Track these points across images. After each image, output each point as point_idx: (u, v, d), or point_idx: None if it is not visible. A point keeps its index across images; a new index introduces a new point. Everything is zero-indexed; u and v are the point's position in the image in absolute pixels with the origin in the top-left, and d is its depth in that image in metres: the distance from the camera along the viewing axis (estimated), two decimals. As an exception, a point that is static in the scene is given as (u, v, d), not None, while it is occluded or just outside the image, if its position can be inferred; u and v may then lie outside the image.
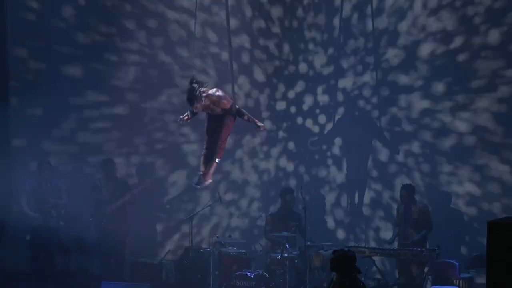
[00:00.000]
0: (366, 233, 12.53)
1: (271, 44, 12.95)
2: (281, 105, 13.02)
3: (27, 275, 11.37)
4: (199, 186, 9.13)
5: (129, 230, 12.08)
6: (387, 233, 12.11)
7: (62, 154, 12.67)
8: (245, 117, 8.96)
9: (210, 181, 9.04)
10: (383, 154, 12.48)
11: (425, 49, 12.10)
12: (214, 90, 8.79)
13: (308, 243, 11.04)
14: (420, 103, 12.20)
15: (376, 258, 11.27)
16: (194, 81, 8.64)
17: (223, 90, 8.98)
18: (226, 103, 8.79)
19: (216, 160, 8.88)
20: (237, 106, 8.94)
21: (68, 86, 12.56)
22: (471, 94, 11.88)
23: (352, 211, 12.63)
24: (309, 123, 12.93)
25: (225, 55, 12.32)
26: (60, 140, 12.70)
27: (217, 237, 11.60)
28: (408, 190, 11.24)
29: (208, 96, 8.68)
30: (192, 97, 8.60)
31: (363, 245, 11.48)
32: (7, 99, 11.70)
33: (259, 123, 9.08)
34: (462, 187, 12.01)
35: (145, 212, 12.69)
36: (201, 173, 8.98)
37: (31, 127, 12.39)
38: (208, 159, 8.90)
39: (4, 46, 11.54)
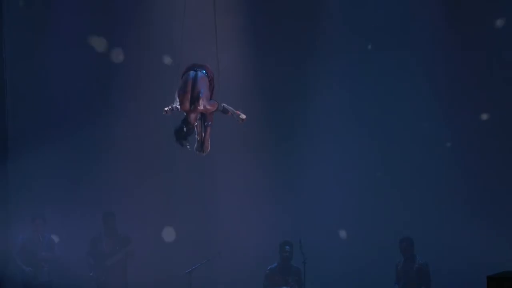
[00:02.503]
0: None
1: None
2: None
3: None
4: (202, 153, 8.62)
5: (128, 284, 12.09)
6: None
7: (60, 206, 12.63)
8: (229, 114, 8.60)
9: (209, 148, 8.63)
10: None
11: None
12: (201, 107, 8.35)
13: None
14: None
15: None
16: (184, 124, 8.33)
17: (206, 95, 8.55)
18: (212, 108, 8.44)
19: (210, 123, 8.52)
20: (222, 104, 8.58)
21: (67, 141, 12.69)
22: None
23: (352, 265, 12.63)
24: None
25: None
26: (58, 192, 12.70)
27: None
28: (408, 243, 11.28)
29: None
30: (180, 137, 8.29)
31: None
32: (6, 152, 11.84)
33: (242, 116, 8.66)
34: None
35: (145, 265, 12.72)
36: (198, 138, 8.55)
37: (29, 180, 12.48)
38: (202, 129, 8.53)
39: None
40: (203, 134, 8.48)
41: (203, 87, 8.22)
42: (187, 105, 8.18)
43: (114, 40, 13.04)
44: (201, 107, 8.19)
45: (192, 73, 8.29)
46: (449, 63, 12.57)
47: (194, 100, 8.16)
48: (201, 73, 8.28)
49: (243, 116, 8.63)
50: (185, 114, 8.24)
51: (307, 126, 13.03)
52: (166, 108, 8.45)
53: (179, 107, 8.21)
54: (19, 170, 12.39)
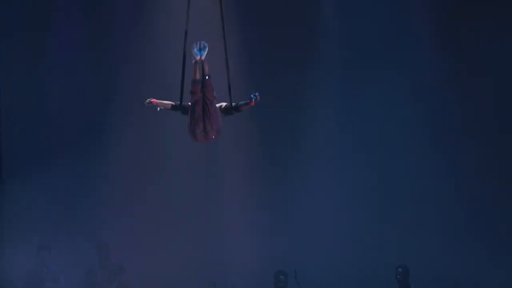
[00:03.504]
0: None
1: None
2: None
3: None
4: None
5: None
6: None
7: (57, 236, 12.58)
8: (243, 109, 8.50)
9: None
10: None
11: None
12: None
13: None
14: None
15: None
16: None
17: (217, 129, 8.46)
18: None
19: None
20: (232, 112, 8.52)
21: (60, 171, 12.62)
22: None
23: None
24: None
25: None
26: (55, 222, 12.63)
27: None
28: (403, 271, 11.27)
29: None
30: None
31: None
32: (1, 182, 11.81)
33: (257, 99, 8.46)
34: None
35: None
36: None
37: (22, 210, 12.43)
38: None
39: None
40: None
41: (214, 125, 8.20)
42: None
43: (110, 66, 12.98)
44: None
45: (199, 111, 8.18)
46: (442, 81, 12.58)
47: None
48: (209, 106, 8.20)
49: (257, 99, 8.42)
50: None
51: (300, 152, 12.98)
52: (150, 100, 8.39)
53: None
54: (12, 200, 12.33)
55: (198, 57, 8.21)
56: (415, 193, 12.62)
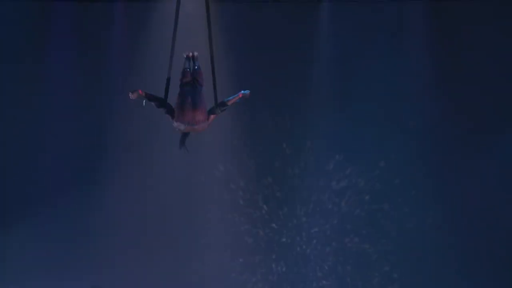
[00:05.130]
0: None
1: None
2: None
3: None
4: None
5: None
6: None
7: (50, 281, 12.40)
8: (231, 102, 8.48)
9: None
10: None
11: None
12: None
13: None
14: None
15: None
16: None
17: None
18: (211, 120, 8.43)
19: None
20: (222, 109, 8.48)
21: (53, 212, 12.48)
22: None
23: None
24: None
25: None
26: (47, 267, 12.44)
27: None
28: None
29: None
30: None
31: None
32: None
33: (245, 94, 8.53)
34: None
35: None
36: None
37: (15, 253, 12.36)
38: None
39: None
40: None
41: (202, 108, 8.18)
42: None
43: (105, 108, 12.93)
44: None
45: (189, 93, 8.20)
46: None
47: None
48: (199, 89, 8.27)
49: (247, 95, 8.49)
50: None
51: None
52: (135, 90, 8.22)
53: (181, 128, 8.19)
54: (5, 243, 12.29)
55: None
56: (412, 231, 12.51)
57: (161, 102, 8.27)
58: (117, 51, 12.80)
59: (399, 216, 12.45)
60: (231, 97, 8.43)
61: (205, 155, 12.45)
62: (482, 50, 12.49)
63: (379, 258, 12.43)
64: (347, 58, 12.71)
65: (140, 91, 8.19)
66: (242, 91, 8.42)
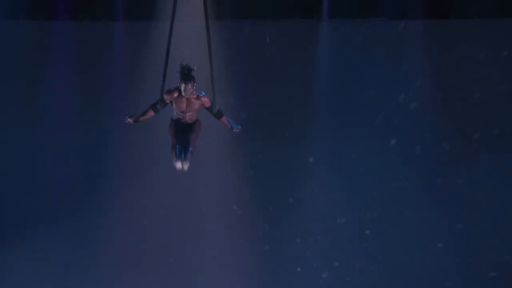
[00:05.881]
0: None
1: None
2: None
3: None
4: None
5: None
6: None
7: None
8: (224, 119, 8.84)
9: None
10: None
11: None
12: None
13: None
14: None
15: None
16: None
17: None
18: (208, 101, 8.70)
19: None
20: (217, 107, 8.81)
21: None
22: None
23: None
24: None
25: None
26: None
27: None
28: None
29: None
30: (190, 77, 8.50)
31: None
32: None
33: (235, 129, 8.92)
34: None
35: None
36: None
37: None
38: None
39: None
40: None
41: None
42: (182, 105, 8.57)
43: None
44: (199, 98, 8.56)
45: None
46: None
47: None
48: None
49: (237, 129, 8.88)
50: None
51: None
52: (128, 119, 8.68)
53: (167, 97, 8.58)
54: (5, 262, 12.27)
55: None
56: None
57: (157, 106, 8.44)
58: (117, 70, 12.81)
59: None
60: (228, 119, 8.60)
61: (206, 167, 12.49)
62: (483, 68, 12.48)
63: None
64: (347, 77, 12.70)
65: (130, 121, 8.65)
66: (236, 127, 8.83)
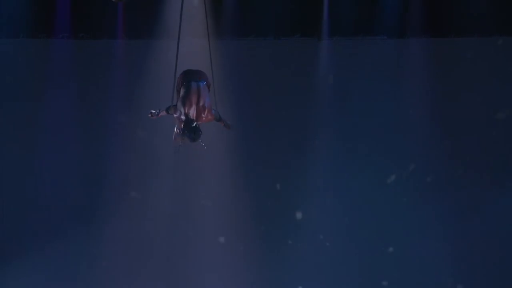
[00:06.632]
0: None
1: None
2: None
3: None
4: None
5: None
6: None
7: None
8: (222, 123, 8.83)
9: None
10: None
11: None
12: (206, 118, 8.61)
13: None
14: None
15: None
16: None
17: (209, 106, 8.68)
18: (211, 118, 8.65)
19: None
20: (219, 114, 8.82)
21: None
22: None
23: None
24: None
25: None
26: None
27: None
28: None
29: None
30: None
31: None
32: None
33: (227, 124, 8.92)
34: None
35: None
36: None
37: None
38: None
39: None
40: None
41: (207, 97, 8.43)
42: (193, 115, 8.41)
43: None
44: (206, 118, 8.45)
45: (194, 84, 8.40)
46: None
47: (200, 112, 8.38)
48: (202, 83, 8.45)
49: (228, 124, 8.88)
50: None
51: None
52: (152, 111, 8.67)
53: (183, 117, 8.34)
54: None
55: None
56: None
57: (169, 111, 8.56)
58: (117, 88, 12.82)
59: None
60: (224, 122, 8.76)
61: (203, 171, 12.54)
62: (483, 88, 12.50)
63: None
64: (347, 96, 12.72)
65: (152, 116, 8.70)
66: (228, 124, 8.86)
